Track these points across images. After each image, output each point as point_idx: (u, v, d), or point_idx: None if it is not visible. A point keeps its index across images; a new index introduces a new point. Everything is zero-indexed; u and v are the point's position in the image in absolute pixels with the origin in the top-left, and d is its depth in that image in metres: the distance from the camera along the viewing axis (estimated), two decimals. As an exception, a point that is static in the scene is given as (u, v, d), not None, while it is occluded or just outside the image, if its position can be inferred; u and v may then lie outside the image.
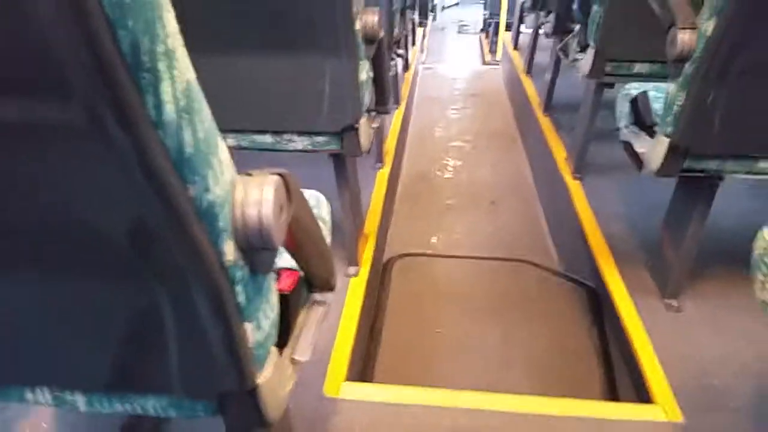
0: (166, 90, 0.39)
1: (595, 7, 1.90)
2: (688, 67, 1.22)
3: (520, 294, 2.07)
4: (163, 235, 0.46)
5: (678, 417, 1.26)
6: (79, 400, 0.72)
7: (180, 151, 0.42)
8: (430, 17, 6.35)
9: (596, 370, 1.69)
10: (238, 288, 0.55)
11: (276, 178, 0.52)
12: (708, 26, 1.14)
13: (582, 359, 1.73)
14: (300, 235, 0.66)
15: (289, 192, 0.55)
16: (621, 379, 1.60)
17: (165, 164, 0.41)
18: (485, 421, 1.25)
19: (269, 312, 0.64)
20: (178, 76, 0.40)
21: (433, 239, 2.44)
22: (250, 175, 0.52)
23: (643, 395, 1.38)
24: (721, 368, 1.39)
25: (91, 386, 0.71)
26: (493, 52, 5.65)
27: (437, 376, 1.68)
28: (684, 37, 1.18)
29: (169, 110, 0.39)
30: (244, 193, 0.50)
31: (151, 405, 0.72)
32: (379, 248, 2.11)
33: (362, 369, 1.67)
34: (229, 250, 0.51)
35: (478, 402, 1.31)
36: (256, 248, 0.53)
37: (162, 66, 0.38)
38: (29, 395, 0.73)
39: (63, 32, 0.33)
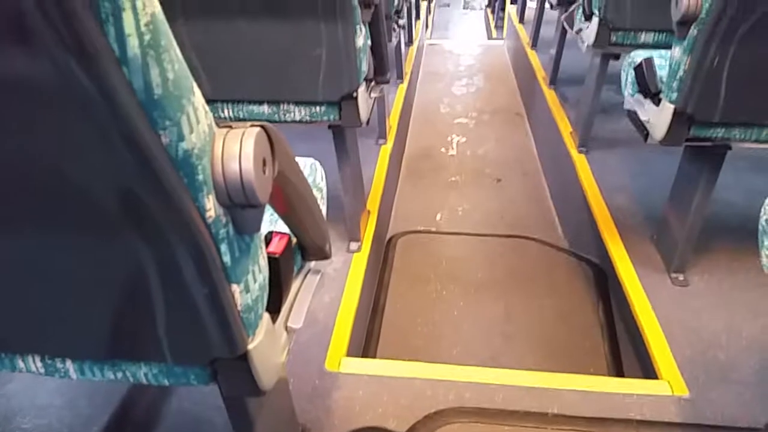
0: (128, 21, 0.37)
1: (599, -25, 1.86)
2: (693, 30, 1.18)
3: (525, 270, 2.05)
4: (138, 187, 0.45)
5: (684, 391, 1.25)
6: (71, 368, 0.71)
7: (148, 92, 0.40)
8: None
9: (601, 346, 1.67)
10: (223, 246, 0.54)
11: (257, 129, 0.50)
12: (714, -15, 1.11)
13: (587, 334, 1.71)
14: (289, 195, 0.64)
15: (273, 146, 0.53)
16: (626, 354, 1.58)
17: (132, 106, 0.39)
18: (489, 395, 1.24)
19: (258, 274, 0.62)
20: (141, 8, 0.38)
21: (438, 216, 2.42)
22: (230, 127, 0.50)
23: (648, 370, 1.37)
24: (726, 342, 1.37)
25: (81, 354, 0.71)
26: (498, 27, 5.57)
27: (440, 352, 1.68)
28: None
29: (133, 45, 0.37)
30: (223, 145, 0.48)
31: (143, 373, 0.71)
32: (382, 225, 2.09)
33: (364, 344, 1.66)
34: (211, 206, 0.49)
35: (482, 376, 1.30)
36: (239, 205, 0.51)
37: None
38: (20, 363, 0.72)
39: None
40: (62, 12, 0.34)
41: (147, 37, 0.38)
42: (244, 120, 1.38)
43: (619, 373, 1.57)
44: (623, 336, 1.62)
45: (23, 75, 0.38)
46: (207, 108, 0.47)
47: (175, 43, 0.42)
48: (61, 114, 0.41)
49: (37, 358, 0.71)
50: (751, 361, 1.31)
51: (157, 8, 0.40)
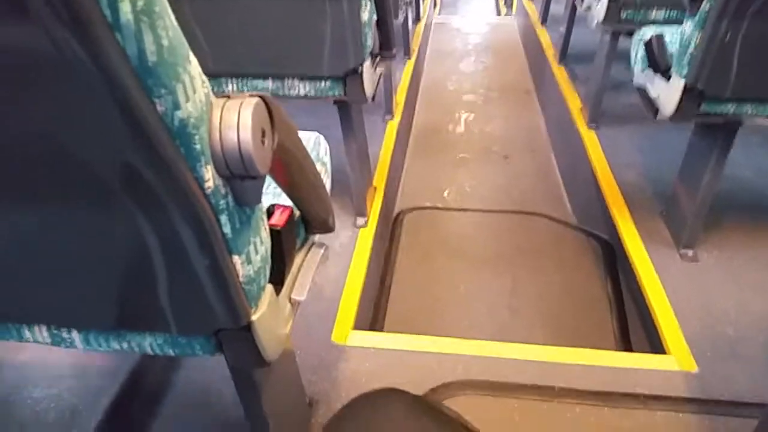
0: None
1: (610, -52, 1.82)
2: (705, 4, 1.16)
3: (533, 246, 2.05)
4: (135, 157, 0.45)
5: (692, 366, 1.25)
6: (76, 338, 0.73)
7: (142, 59, 0.39)
8: (444, -31, 6.15)
9: (609, 321, 1.67)
10: (223, 218, 0.54)
11: (256, 99, 0.49)
12: (727, -43, 1.08)
13: (595, 310, 1.71)
14: (290, 165, 0.64)
15: (272, 116, 0.53)
16: (635, 329, 1.59)
17: (126, 73, 0.39)
18: (497, 368, 1.24)
19: (259, 246, 0.63)
20: None
21: (445, 193, 2.41)
22: (228, 97, 0.49)
23: (656, 345, 1.37)
24: (735, 318, 1.37)
25: (86, 324, 0.72)
26: (508, 4, 5.48)
27: (447, 327, 1.68)
28: None
29: (126, 10, 0.37)
30: (221, 115, 0.48)
31: (148, 343, 0.72)
32: (389, 200, 2.09)
33: (371, 319, 1.67)
34: (209, 177, 0.50)
35: (489, 350, 1.30)
36: (238, 176, 0.52)
37: None
38: (27, 333, 0.73)
39: None
40: None
41: (140, 3, 0.38)
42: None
43: (627, 348, 1.57)
44: (631, 311, 1.62)
45: (15, 45, 0.38)
46: (204, 77, 0.47)
47: (170, 10, 0.42)
48: (55, 83, 0.41)
49: (44, 328, 0.73)
50: (761, 337, 1.31)
51: None
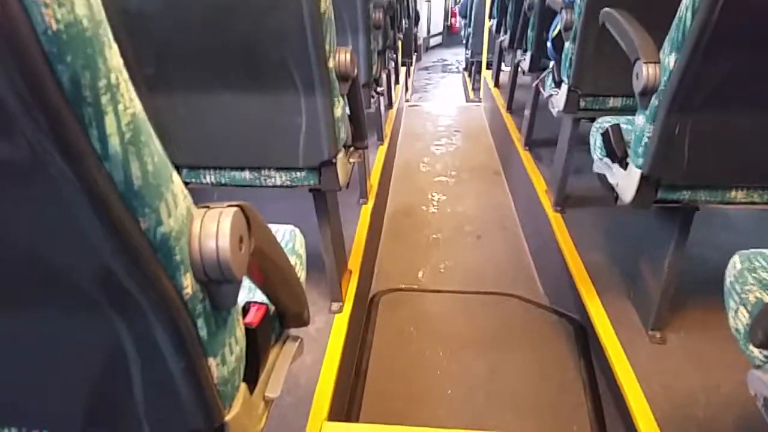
0: (110, 123, 0.39)
1: (567, 45, 1.96)
2: (654, 100, 1.25)
3: (507, 328, 2.06)
4: (117, 268, 0.46)
5: None
6: None
7: (128, 184, 0.42)
8: (414, 57, 6.48)
9: (584, 404, 1.67)
10: (200, 321, 0.55)
11: (234, 209, 0.52)
12: (670, 60, 1.18)
13: (570, 392, 1.71)
14: (265, 268, 0.66)
15: (250, 223, 0.56)
16: (608, 411, 1.58)
17: (113, 197, 0.41)
18: None
19: (234, 346, 0.63)
20: (123, 110, 0.40)
21: (420, 274, 2.44)
22: (208, 207, 0.52)
23: (630, 429, 1.37)
24: (704, 399, 1.38)
25: (58, 426, 0.70)
26: (475, 89, 5.77)
27: (424, 414, 1.66)
28: (648, 71, 1.22)
29: (114, 143, 0.40)
30: (201, 225, 0.51)
31: (119, 445, 0.71)
32: (364, 283, 2.10)
33: (347, 408, 1.64)
34: (188, 284, 0.51)
35: None
36: (216, 281, 0.53)
37: (105, 100, 0.39)
38: None
39: None
40: (47, 117, 0.36)
41: (128, 135, 0.41)
42: (225, 185, 1.42)
43: (602, 430, 1.57)
44: (605, 394, 1.62)
45: (5, 161, 0.40)
46: (186, 192, 0.50)
47: (154, 136, 0.45)
48: (41, 199, 0.43)
49: (14, 431, 0.71)
50: (730, 417, 1.33)
51: (138, 107, 0.43)
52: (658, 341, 1.57)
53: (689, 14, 1.11)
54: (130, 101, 0.41)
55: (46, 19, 0.34)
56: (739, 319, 0.91)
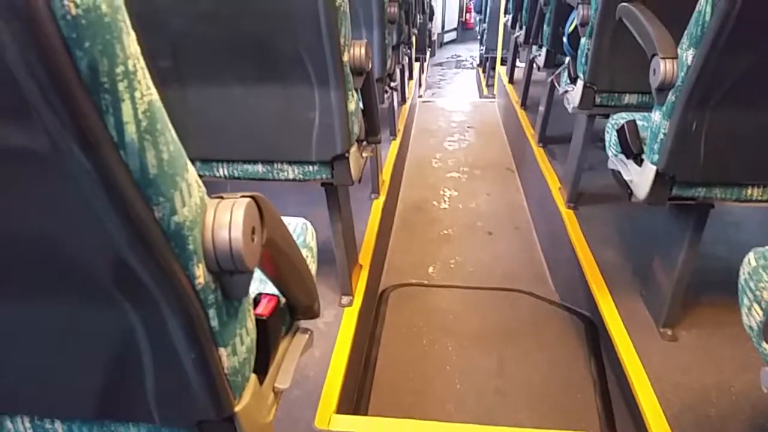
0: (126, 111, 0.40)
1: (583, 40, 1.94)
2: (671, 96, 1.24)
3: (517, 324, 2.05)
4: (130, 257, 0.47)
5: None
6: (59, 429, 0.72)
7: (143, 172, 0.42)
8: (428, 52, 6.46)
9: (594, 401, 1.66)
10: (211, 312, 0.55)
11: (247, 200, 0.52)
12: (688, 55, 1.17)
13: (580, 390, 1.70)
14: (277, 259, 0.66)
15: (262, 214, 0.56)
16: (618, 409, 1.58)
17: (128, 185, 0.41)
18: None
19: (245, 337, 0.64)
20: (139, 98, 0.41)
21: (430, 269, 2.43)
22: (221, 198, 0.52)
23: (640, 427, 1.36)
24: (716, 397, 1.37)
25: (69, 414, 0.71)
26: (489, 85, 5.74)
27: (433, 408, 1.66)
28: (666, 67, 1.20)
29: (131, 131, 0.40)
30: (214, 215, 0.51)
31: (131, 433, 0.71)
32: (374, 278, 2.10)
33: (356, 401, 1.65)
34: (200, 273, 0.51)
35: None
36: (228, 271, 0.54)
37: (122, 87, 0.39)
38: (9, 424, 0.72)
39: (18, 53, 0.34)
40: (65, 104, 0.36)
41: (144, 123, 0.41)
42: (238, 178, 1.43)
43: (611, 428, 1.56)
44: (615, 391, 1.61)
45: (22, 149, 0.41)
46: (200, 182, 0.50)
47: (170, 125, 0.45)
48: (56, 187, 0.43)
49: (26, 419, 0.72)
50: (741, 416, 1.32)
51: (154, 95, 0.43)
52: (670, 338, 1.56)
53: (708, 8, 1.09)
54: (147, 89, 0.41)
55: (65, 3, 0.34)
56: (753, 316, 0.90)
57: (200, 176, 0.50)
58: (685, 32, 1.18)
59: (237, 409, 0.65)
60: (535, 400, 1.68)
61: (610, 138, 1.57)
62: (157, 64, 1.24)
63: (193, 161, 0.49)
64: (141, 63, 0.41)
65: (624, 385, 1.50)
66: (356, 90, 1.34)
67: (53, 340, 0.60)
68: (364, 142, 1.52)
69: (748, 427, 1.29)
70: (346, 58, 1.25)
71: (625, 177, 1.48)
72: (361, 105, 1.43)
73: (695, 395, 1.38)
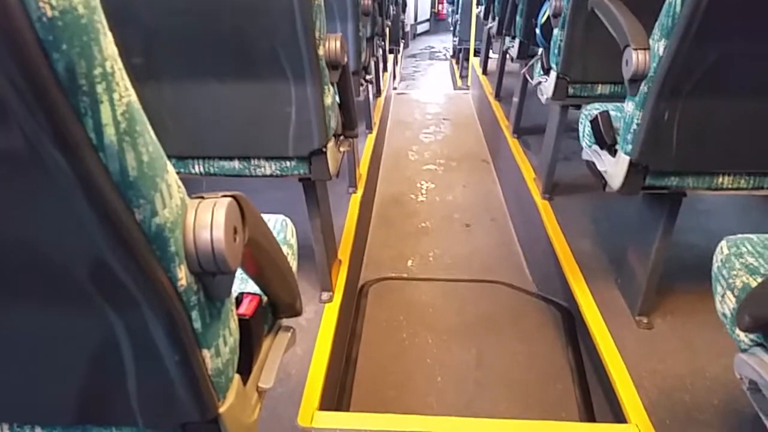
0: (105, 113, 0.39)
1: (555, 31, 1.96)
2: (643, 87, 1.25)
3: (496, 316, 2.07)
4: (111, 260, 0.46)
5: None
6: None
7: (123, 174, 0.41)
8: (402, 44, 6.45)
9: (573, 390, 1.69)
10: (194, 313, 0.54)
11: (228, 200, 0.51)
12: (659, 46, 1.18)
13: (558, 379, 1.73)
14: (259, 258, 0.66)
15: (244, 214, 0.55)
16: (596, 397, 1.60)
17: (108, 188, 0.40)
18: None
19: (228, 338, 0.63)
20: (118, 99, 0.40)
21: (409, 262, 2.44)
22: (202, 198, 0.51)
23: (618, 414, 1.39)
24: (691, 383, 1.40)
25: (50, 420, 0.69)
26: (463, 77, 5.75)
27: (414, 402, 1.67)
28: (638, 58, 1.22)
29: (110, 133, 0.39)
30: (195, 216, 0.50)
31: (113, 438, 0.70)
32: (354, 273, 2.10)
33: (337, 397, 1.65)
34: (182, 275, 0.51)
35: (455, 427, 1.30)
36: (210, 272, 0.53)
37: (100, 89, 0.38)
38: None
39: None
40: (43, 107, 0.35)
41: (123, 125, 0.40)
42: (214, 175, 1.41)
43: (590, 416, 1.58)
44: (593, 379, 1.64)
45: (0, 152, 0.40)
46: (180, 182, 0.49)
47: (149, 126, 0.44)
48: (36, 190, 0.42)
49: (5, 427, 0.70)
50: (715, 401, 1.35)
51: (133, 96, 0.42)
52: (645, 326, 1.59)
53: (679, 0, 1.11)
54: (126, 90, 0.41)
55: (41, 5, 0.33)
56: (726, 303, 0.93)
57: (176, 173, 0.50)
58: (657, 23, 1.19)
59: (221, 410, 0.65)
60: (515, 390, 1.70)
61: (584, 129, 1.59)
62: (132, 60, 1.21)
63: (168, 158, 0.48)
64: (119, 64, 0.40)
65: (601, 374, 1.52)
66: (332, 84, 1.33)
67: (32, 344, 0.58)
68: (342, 137, 1.51)
69: (722, 412, 1.32)
70: (321, 52, 1.24)
71: (599, 167, 1.50)
72: (337, 99, 1.42)
73: (671, 381, 1.41)
